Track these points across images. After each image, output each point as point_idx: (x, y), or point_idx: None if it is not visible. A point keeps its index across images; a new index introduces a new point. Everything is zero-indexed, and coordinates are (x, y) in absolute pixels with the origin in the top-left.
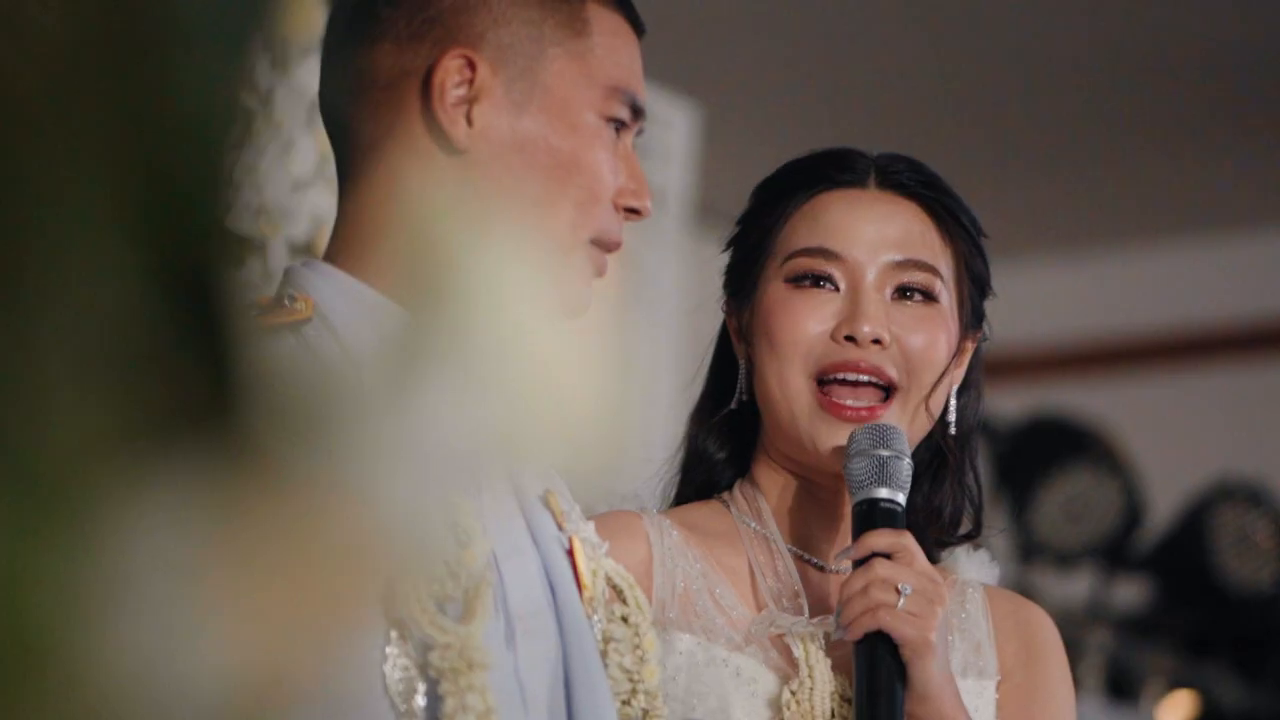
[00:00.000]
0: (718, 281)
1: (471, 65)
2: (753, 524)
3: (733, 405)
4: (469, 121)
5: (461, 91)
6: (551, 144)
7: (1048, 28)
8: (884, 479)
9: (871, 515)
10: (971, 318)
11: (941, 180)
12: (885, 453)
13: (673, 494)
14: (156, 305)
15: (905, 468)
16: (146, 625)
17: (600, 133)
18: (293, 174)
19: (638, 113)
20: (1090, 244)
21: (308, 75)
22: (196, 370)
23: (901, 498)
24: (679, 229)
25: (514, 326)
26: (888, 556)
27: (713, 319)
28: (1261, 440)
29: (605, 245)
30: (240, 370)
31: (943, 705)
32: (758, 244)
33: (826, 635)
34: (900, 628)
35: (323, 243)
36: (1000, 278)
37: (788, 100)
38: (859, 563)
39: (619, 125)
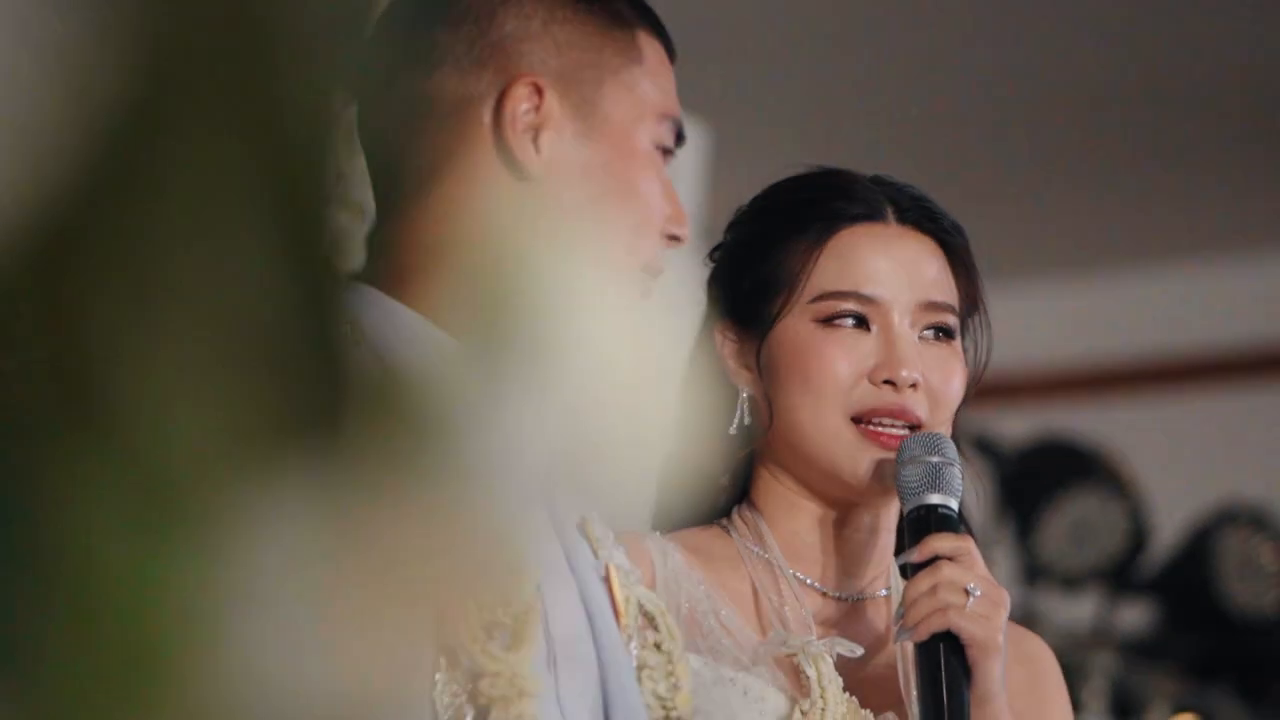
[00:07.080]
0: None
1: (539, 92)
2: (755, 549)
3: (732, 431)
4: (536, 148)
5: (530, 118)
6: (613, 171)
7: (1057, 51)
8: (937, 485)
9: (927, 521)
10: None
11: (942, 208)
12: (937, 459)
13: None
14: (277, 308)
15: (957, 475)
16: (267, 632)
17: (653, 160)
18: None
19: (680, 140)
20: (1097, 267)
21: None
22: (311, 376)
23: (954, 504)
24: (687, 250)
25: (581, 347)
26: (949, 560)
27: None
28: (1266, 464)
29: (653, 271)
30: (347, 377)
31: (1000, 709)
32: (777, 279)
33: (839, 655)
34: (970, 628)
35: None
36: (1008, 300)
37: (796, 121)
38: (918, 567)
39: (664, 152)
